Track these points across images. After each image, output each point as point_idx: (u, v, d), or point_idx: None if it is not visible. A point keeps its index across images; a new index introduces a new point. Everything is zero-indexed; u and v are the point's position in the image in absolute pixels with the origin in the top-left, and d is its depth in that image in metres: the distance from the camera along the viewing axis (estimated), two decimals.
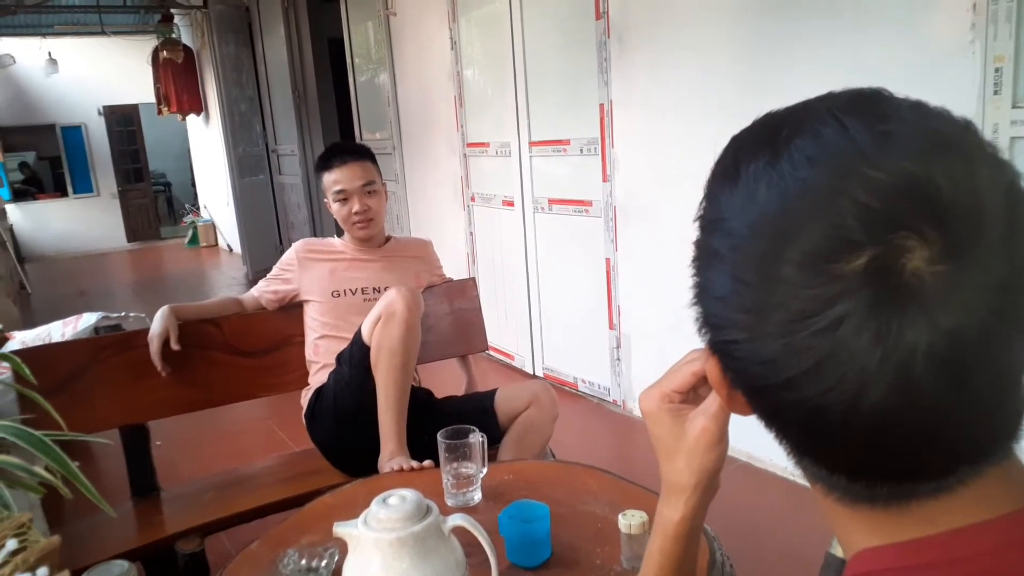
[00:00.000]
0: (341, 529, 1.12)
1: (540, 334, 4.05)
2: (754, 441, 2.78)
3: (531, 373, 4.12)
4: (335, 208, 2.23)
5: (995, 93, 2.02)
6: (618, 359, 3.53)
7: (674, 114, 3.02)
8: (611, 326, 3.52)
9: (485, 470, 1.62)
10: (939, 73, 2.13)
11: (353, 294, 2.21)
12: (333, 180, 2.20)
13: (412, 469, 1.77)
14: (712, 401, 0.64)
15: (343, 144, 2.46)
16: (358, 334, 2.01)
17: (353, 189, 2.19)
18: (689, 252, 0.50)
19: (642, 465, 3.13)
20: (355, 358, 2.00)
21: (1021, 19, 1.96)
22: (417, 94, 4.95)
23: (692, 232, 0.49)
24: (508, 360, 4.34)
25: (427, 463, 1.77)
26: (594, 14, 3.29)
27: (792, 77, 2.51)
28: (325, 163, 2.24)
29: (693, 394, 0.67)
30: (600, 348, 3.61)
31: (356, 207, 2.19)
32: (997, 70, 2.01)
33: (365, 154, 2.26)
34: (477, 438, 1.58)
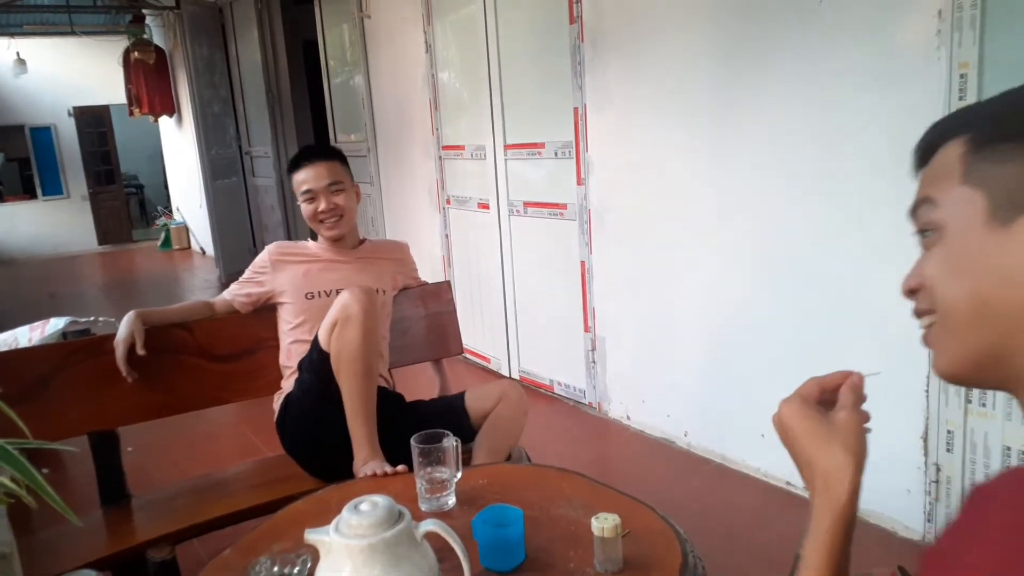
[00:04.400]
0: (312, 536, 1.11)
1: (516, 337, 4.05)
2: (727, 443, 2.82)
3: (507, 376, 4.12)
4: (304, 208, 2.25)
5: (960, 99, 2.06)
6: (593, 361, 3.54)
7: (648, 118, 3.04)
8: (586, 328, 3.53)
9: (459, 475, 1.62)
10: (906, 79, 2.17)
11: (327, 295, 2.20)
12: (301, 180, 2.24)
13: (386, 474, 1.76)
14: (846, 400, 0.74)
15: (312, 146, 2.49)
16: (316, 340, 2.00)
17: (319, 188, 2.21)
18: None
19: (616, 467, 3.14)
20: (315, 364, 1.99)
21: (985, 26, 2.00)
22: (392, 97, 4.94)
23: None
24: (484, 363, 4.34)
25: (401, 468, 1.76)
26: (568, 19, 3.31)
27: (763, 81, 2.54)
28: (294, 165, 2.28)
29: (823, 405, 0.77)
30: (575, 350, 3.62)
31: (323, 205, 2.21)
32: (962, 76, 2.05)
33: (333, 155, 2.30)
34: (451, 442, 1.57)
